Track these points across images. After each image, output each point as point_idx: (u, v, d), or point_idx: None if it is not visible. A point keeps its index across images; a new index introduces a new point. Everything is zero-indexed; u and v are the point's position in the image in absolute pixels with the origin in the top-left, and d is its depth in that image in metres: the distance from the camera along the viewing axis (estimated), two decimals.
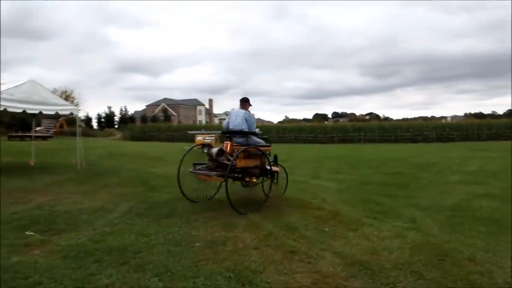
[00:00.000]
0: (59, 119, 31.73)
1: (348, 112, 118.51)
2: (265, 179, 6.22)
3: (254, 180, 5.94)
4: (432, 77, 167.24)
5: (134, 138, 44.09)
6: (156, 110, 70.54)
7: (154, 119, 60.21)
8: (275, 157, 6.61)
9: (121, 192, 7.10)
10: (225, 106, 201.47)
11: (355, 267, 3.37)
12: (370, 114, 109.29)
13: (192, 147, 6.66)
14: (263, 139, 6.35)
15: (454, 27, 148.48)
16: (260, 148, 5.94)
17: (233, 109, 6.30)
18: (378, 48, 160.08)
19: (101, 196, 6.65)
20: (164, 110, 68.93)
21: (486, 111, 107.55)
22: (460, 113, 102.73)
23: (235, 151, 5.66)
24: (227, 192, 5.15)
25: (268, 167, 6.03)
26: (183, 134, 37.75)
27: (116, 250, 3.71)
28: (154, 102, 78.00)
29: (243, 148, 5.63)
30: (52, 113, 10.73)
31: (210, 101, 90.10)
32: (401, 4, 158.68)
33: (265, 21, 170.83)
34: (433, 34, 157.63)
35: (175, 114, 71.20)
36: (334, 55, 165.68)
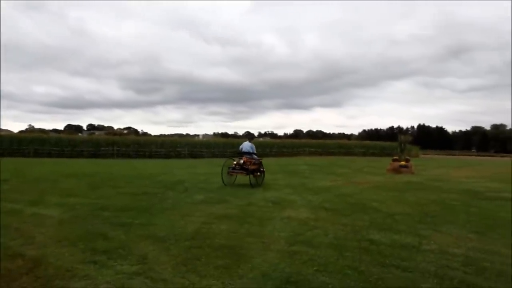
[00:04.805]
0: None
1: (106, 125, 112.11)
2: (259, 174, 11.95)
3: (258, 174, 11.74)
4: (190, 98, 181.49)
5: None
6: None
7: None
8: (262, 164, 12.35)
9: None
10: None
11: None
12: (129, 128, 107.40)
13: (228, 159, 12.54)
14: (258, 156, 12.52)
15: (210, 56, 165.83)
16: (258, 159, 12.14)
17: (245, 142, 12.32)
18: (142, 64, 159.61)
19: None
20: None
21: (230, 131, 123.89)
22: (211, 132, 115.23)
23: (248, 162, 11.60)
24: (249, 180, 11.31)
25: (261, 169, 12.08)
26: None
27: None
28: None
29: (252, 160, 11.70)
30: None
31: None
32: (167, 26, 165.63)
33: (13, 11, 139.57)
34: (193, 59, 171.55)
35: None
36: (95, 63, 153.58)
